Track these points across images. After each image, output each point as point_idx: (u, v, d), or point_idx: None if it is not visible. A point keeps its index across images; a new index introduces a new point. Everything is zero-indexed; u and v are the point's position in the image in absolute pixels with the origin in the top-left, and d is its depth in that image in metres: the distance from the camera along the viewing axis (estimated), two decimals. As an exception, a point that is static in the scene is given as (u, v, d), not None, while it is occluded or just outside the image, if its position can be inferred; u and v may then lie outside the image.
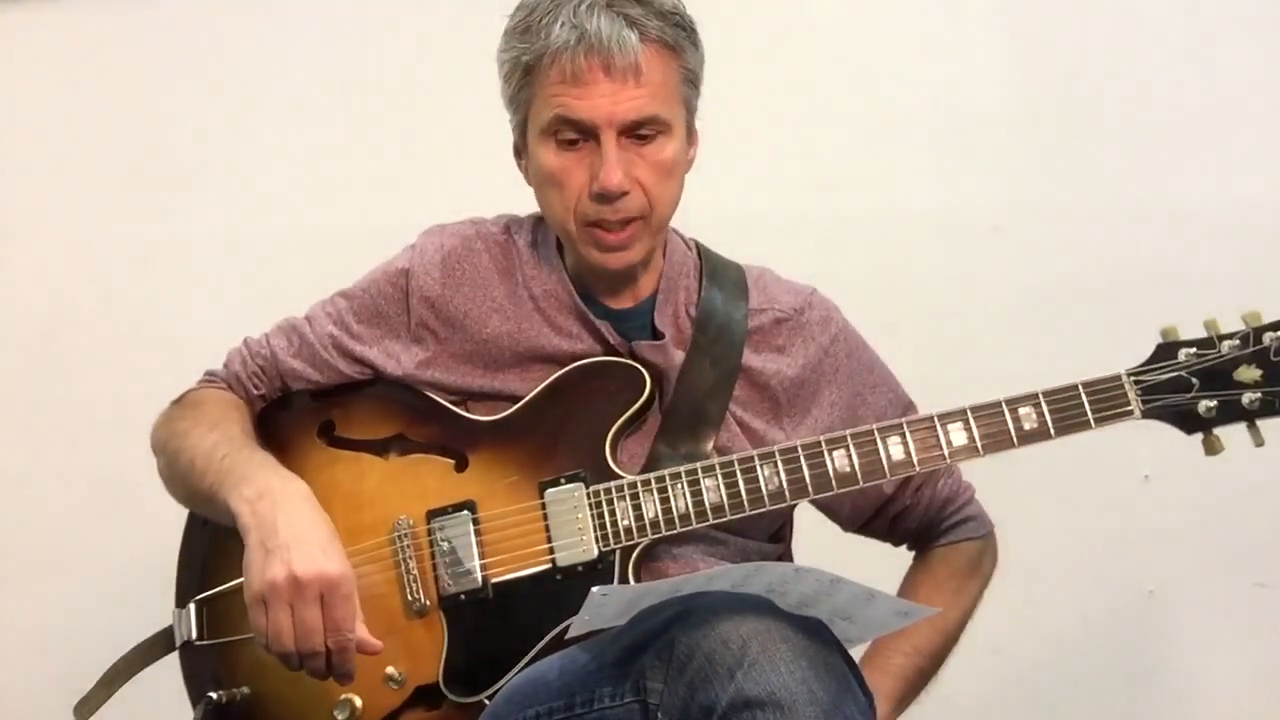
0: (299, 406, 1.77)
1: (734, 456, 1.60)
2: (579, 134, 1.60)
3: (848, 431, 1.59)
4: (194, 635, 1.68)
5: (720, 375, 1.69)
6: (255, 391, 1.77)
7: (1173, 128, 2.48)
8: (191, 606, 1.69)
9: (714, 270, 1.76)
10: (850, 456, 1.58)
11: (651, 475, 1.60)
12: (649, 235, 1.66)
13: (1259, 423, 1.53)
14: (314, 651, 1.49)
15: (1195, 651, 2.42)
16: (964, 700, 2.45)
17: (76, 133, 2.72)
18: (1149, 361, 1.56)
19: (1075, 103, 2.52)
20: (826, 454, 1.58)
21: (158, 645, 1.74)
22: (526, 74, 1.62)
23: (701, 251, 1.79)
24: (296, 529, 1.51)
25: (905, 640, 1.73)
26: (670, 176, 1.64)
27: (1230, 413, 1.53)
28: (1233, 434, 1.55)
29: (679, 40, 1.62)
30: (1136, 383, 1.55)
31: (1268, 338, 1.53)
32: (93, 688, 1.72)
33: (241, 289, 2.61)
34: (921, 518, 1.81)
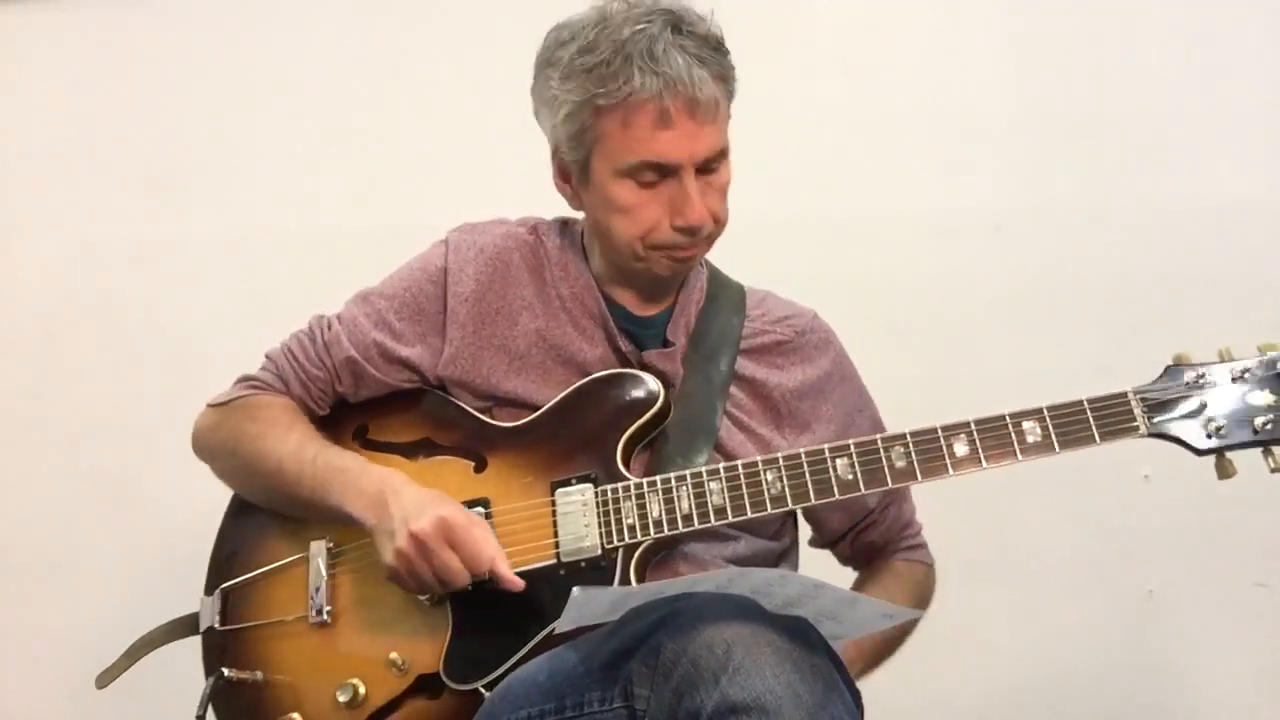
0: (338, 410, 1.82)
1: (739, 461, 1.62)
2: (660, 175, 1.64)
3: (851, 440, 1.61)
4: (216, 622, 1.74)
5: (712, 389, 1.74)
6: (321, 413, 1.81)
7: (1172, 128, 2.49)
8: (217, 594, 1.76)
9: (717, 290, 1.82)
10: (853, 464, 1.59)
11: (658, 477, 1.63)
12: (709, 246, 1.74)
13: (1275, 450, 1.51)
14: (462, 587, 1.57)
15: (1195, 651, 2.42)
16: (964, 700, 2.46)
17: (76, 133, 2.73)
18: (1157, 381, 1.55)
19: (1074, 103, 2.52)
20: (830, 461, 1.59)
21: (181, 627, 1.81)
22: (598, 115, 1.63)
23: (709, 269, 1.85)
24: (405, 504, 1.59)
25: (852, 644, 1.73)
26: (726, 195, 1.71)
27: (1240, 435, 1.51)
28: (1244, 459, 1.52)
29: (726, 68, 1.66)
30: (1142, 400, 1.53)
31: (1283, 365, 1.50)
32: (117, 659, 1.79)
33: (241, 289, 2.61)
34: (884, 534, 1.86)
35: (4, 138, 2.73)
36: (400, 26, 2.67)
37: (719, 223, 1.70)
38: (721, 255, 1.85)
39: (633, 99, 1.60)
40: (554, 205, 1.79)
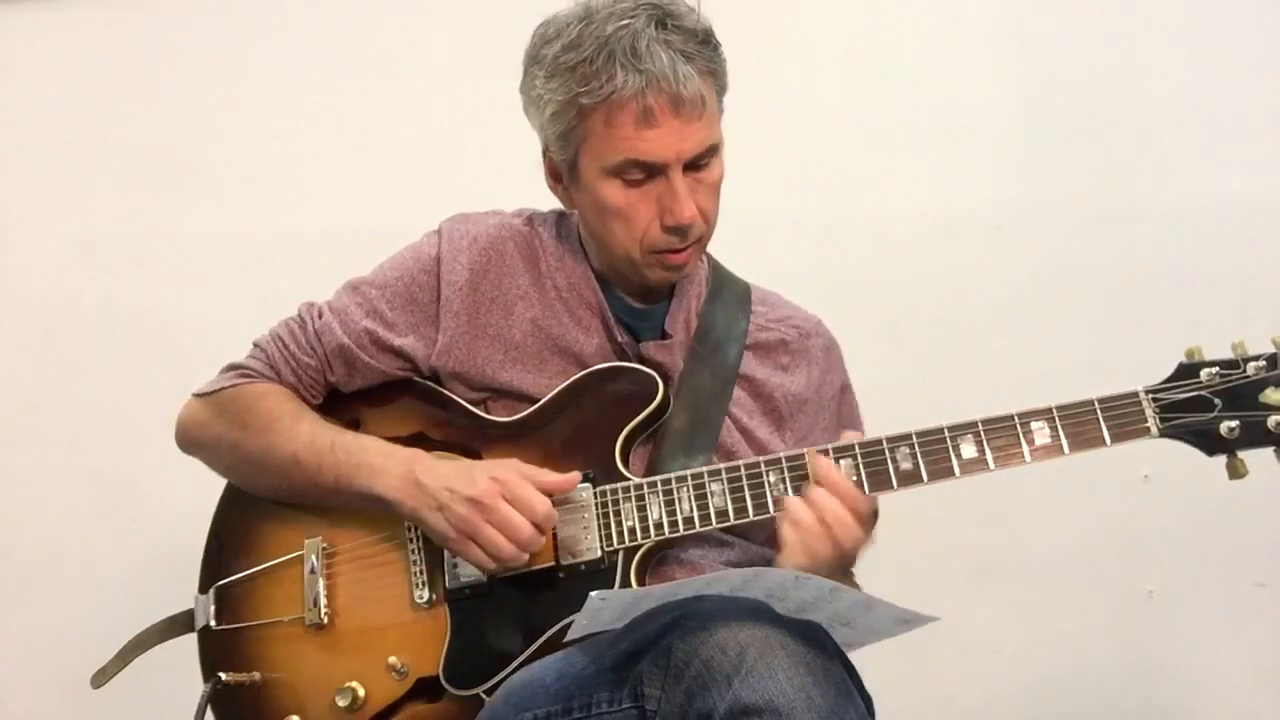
0: (328, 403, 1.79)
1: (740, 462, 1.60)
2: (646, 173, 1.62)
3: (855, 441, 1.58)
4: (212, 621, 1.73)
5: (718, 384, 1.72)
6: (314, 403, 1.79)
7: (1173, 128, 2.48)
8: (211, 593, 1.74)
9: (720, 284, 1.80)
10: (858, 466, 1.57)
11: (659, 478, 1.61)
12: (701, 250, 1.72)
13: None
14: (532, 538, 1.57)
15: (1195, 651, 2.42)
16: (964, 700, 2.46)
17: (76, 133, 2.72)
18: (1169, 380, 1.51)
19: (1074, 103, 2.52)
20: (833, 463, 1.57)
21: (175, 625, 1.80)
22: (582, 114, 1.62)
23: (711, 263, 1.83)
24: (440, 477, 1.60)
25: None
26: (718, 192, 1.68)
27: (1254, 435, 1.47)
28: (1256, 459, 1.50)
29: (715, 63, 1.64)
30: (1155, 400, 1.50)
31: (1299, 360, 1.46)
32: (111, 659, 1.78)
33: (241, 289, 2.61)
34: None
35: (4, 138, 2.73)
36: (399, 25, 2.67)
37: (709, 222, 1.67)
38: (721, 255, 1.85)
39: (615, 97, 1.58)
40: (552, 204, 1.79)
